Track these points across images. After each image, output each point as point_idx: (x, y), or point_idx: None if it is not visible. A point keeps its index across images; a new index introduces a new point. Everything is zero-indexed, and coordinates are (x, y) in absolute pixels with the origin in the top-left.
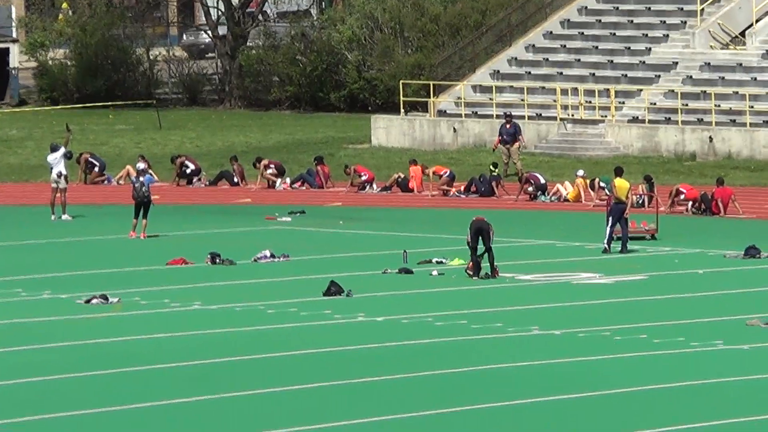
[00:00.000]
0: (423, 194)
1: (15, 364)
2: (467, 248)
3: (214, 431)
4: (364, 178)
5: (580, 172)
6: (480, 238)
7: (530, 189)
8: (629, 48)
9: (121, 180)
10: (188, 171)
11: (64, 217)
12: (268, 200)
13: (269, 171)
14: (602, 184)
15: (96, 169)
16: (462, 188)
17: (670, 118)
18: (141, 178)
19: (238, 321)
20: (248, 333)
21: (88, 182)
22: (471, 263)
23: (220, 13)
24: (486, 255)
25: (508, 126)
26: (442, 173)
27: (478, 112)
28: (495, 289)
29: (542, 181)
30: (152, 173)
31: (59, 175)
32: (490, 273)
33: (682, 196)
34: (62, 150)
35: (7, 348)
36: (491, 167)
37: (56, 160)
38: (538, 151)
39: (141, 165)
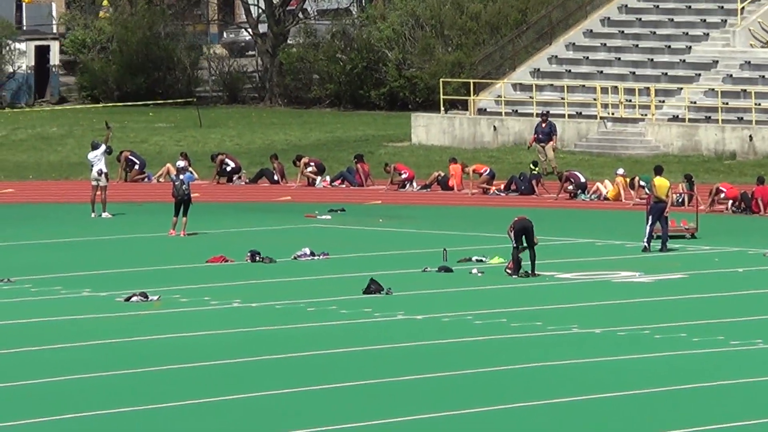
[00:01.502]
0: (463, 192)
1: (56, 362)
2: (510, 246)
3: (255, 428)
4: (404, 176)
5: (620, 171)
6: (524, 237)
7: (570, 187)
8: (669, 47)
9: (161, 178)
10: (228, 169)
11: (104, 214)
12: (308, 198)
13: (309, 169)
14: (642, 183)
15: (136, 167)
16: (502, 186)
17: (710, 117)
18: (181, 176)
19: (278, 319)
20: (288, 331)
21: (128, 180)
22: (511, 262)
23: (260, 10)
24: (528, 253)
25: (543, 125)
26: (482, 171)
27: (519, 111)
28: (534, 288)
29: (582, 179)
30: (192, 171)
31: (100, 172)
32: (530, 271)
33: (722, 195)
34: (103, 147)
35: (47, 345)
36: (531, 165)
37: (97, 158)
38: (578, 149)
39: (181, 163)
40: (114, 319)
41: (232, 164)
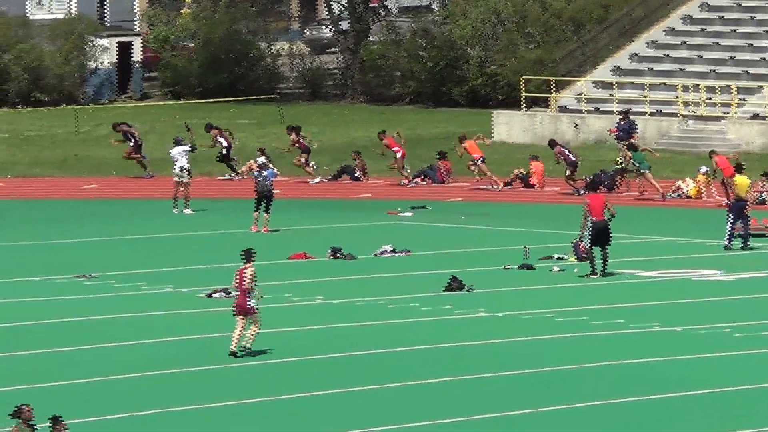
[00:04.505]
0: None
1: (137, 358)
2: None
3: (334, 425)
4: (399, 155)
5: (703, 169)
6: (599, 240)
7: (567, 172)
8: (750, 44)
9: (244, 174)
10: (225, 143)
11: (186, 211)
12: (390, 195)
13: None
14: (636, 163)
15: (131, 144)
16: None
17: None
18: (263, 172)
19: (359, 316)
20: (369, 328)
21: (123, 155)
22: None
23: (342, 7)
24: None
25: (623, 122)
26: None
27: (600, 108)
28: (616, 286)
29: (572, 158)
30: (272, 167)
31: (182, 169)
32: (600, 271)
33: None
34: (187, 146)
35: (130, 342)
36: (618, 159)
37: (179, 154)
38: (660, 147)
39: (262, 159)
40: (196, 315)
41: (224, 143)
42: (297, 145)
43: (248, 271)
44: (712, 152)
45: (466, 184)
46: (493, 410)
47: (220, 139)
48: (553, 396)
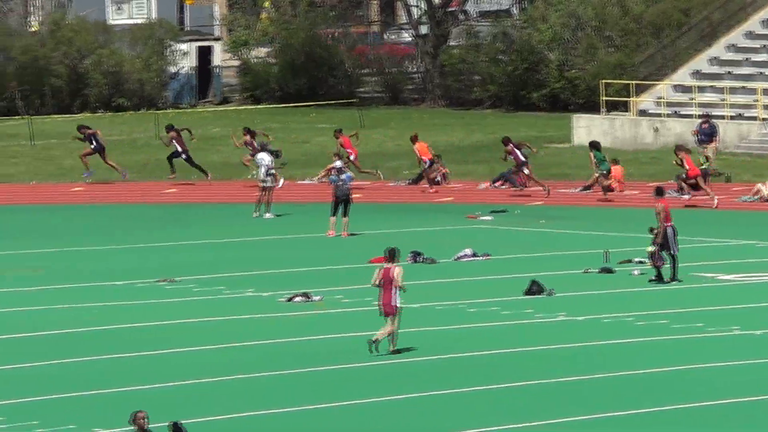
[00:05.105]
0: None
1: (218, 362)
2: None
3: (417, 428)
4: (352, 157)
5: None
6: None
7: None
8: None
9: (323, 179)
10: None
11: (267, 215)
12: (470, 199)
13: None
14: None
15: (92, 147)
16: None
17: None
18: (342, 176)
19: (439, 320)
20: (450, 332)
21: (79, 155)
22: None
23: (421, 12)
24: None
25: (705, 126)
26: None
27: (679, 112)
28: (696, 289)
29: (522, 159)
30: (349, 171)
31: (267, 173)
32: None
33: None
34: (270, 157)
35: (210, 346)
36: (701, 159)
37: (265, 159)
38: (739, 150)
39: (338, 163)
40: (277, 319)
41: (178, 147)
42: (249, 146)
43: (397, 270)
44: (678, 147)
45: (541, 188)
46: (574, 414)
47: (175, 143)
48: (634, 399)
